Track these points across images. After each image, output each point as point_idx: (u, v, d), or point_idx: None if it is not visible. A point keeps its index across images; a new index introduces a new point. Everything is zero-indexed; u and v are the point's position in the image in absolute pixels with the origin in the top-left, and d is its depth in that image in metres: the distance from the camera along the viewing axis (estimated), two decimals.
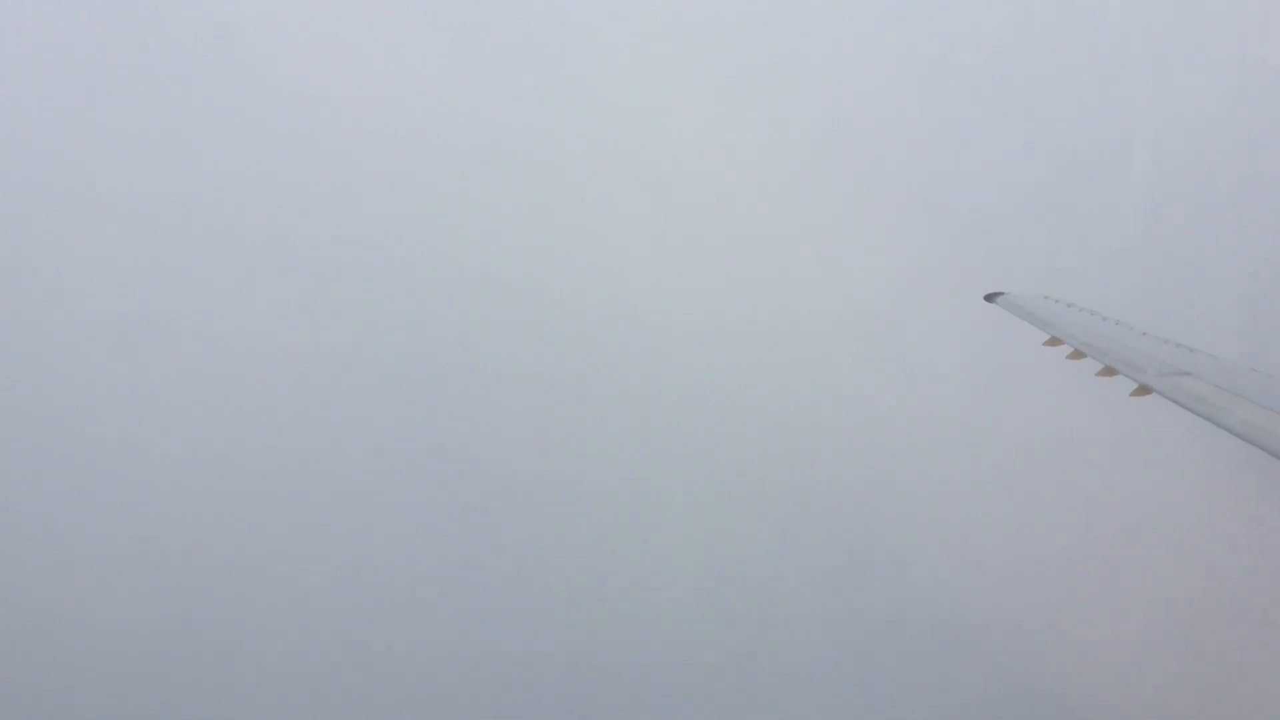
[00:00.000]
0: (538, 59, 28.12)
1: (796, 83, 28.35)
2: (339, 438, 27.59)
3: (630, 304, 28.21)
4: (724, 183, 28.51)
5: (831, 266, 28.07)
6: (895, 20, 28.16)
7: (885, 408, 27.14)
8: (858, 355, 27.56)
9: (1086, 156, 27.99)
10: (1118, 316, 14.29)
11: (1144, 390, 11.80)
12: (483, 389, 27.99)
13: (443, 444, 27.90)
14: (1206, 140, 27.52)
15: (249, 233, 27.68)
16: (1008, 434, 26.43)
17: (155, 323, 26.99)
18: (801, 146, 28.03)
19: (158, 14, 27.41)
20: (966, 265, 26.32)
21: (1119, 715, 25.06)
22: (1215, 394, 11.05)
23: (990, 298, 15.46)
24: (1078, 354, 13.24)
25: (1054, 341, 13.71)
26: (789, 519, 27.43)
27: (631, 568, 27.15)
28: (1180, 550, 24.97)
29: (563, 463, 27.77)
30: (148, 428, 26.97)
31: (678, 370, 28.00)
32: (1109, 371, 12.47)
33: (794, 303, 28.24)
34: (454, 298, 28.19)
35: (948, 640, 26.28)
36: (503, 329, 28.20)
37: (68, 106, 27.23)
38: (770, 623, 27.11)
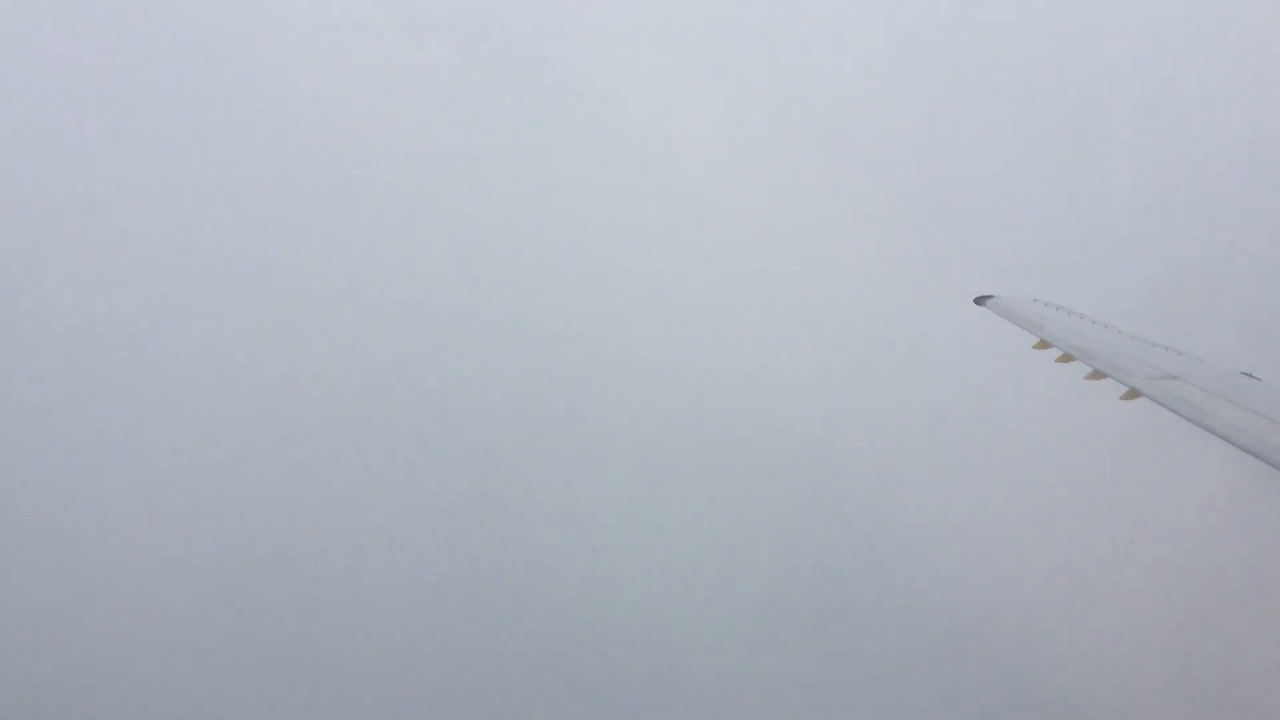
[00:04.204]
0: (539, 63, 28.18)
1: (795, 88, 28.40)
2: (343, 437, 27.63)
3: (635, 306, 28.27)
4: (723, 186, 28.55)
5: (833, 269, 28.12)
6: (894, 23, 28.20)
7: (876, 411, 27.21)
8: (852, 357, 27.62)
9: (1085, 159, 28.02)
10: (1114, 318, 14.22)
11: (1133, 394, 11.79)
12: (488, 390, 28.03)
13: (447, 444, 27.92)
14: (1204, 143, 27.54)
15: (250, 233, 27.73)
16: (996, 438, 26.46)
17: (158, 323, 27.05)
18: (800, 151, 28.07)
19: (158, 15, 27.46)
20: (962, 267, 26.36)
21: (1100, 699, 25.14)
22: (1203, 398, 11.04)
23: (980, 301, 15.35)
24: (1067, 357, 13.19)
25: (1043, 345, 13.65)
26: (791, 513, 27.49)
27: (640, 564, 27.19)
28: (1167, 551, 25.00)
29: (570, 460, 27.82)
30: (151, 427, 27.01)
31: (683, 370, 28.05)
32: (1098, 375, 12.45)
33: (794, 303, 28.31)
34: (458, 300, 28.24)
35: (935, 636, 26.38)
36: (505, 331, 28.24)
37: (71, 108, 27.28)
38: (775, 618, 27.15)
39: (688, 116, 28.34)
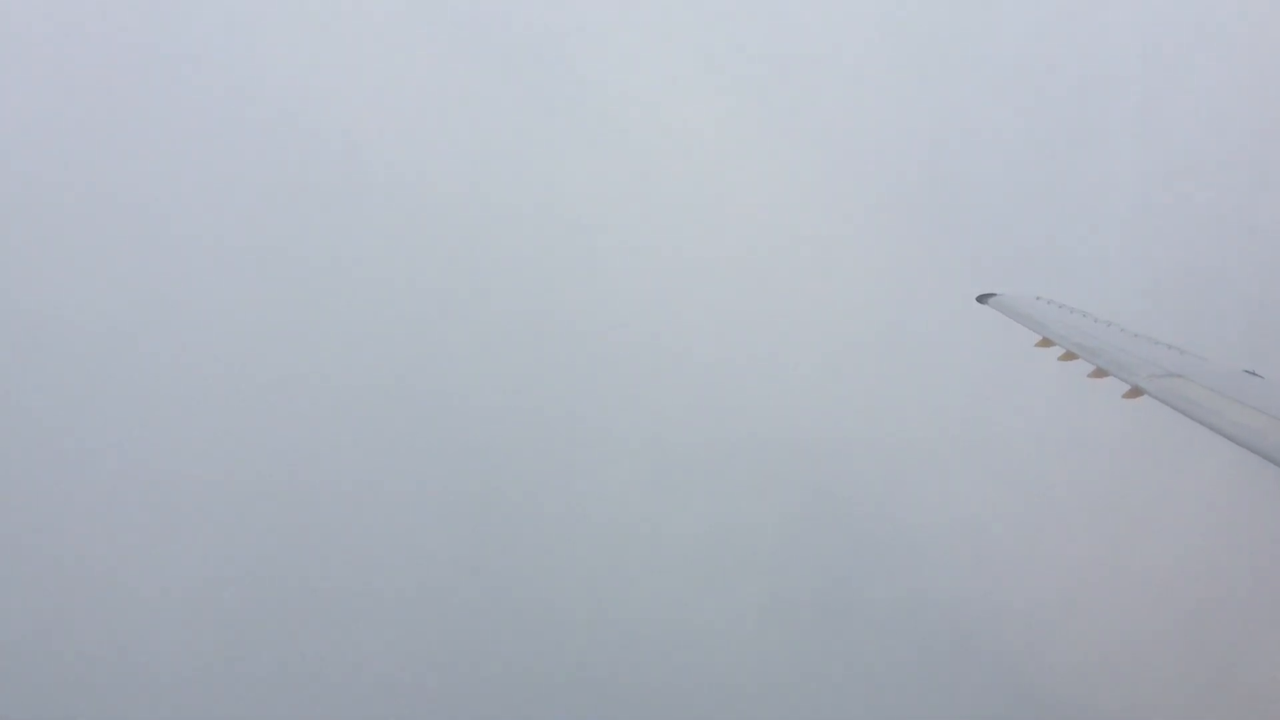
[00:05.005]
0: (541, 63, 28.18)
1: (797, 87, 28.42)
2: (343, 437, 27.60)
3: (636, 305, 28.26)
4: (723, 185, 28.56)
5: (835, 267, 28.14)
6: (896, 21, 28.22)
7: (878, 410, 27.22)
8: (855, 355, 27.64)
9: (1086, 157, 28.03)
10: (1117, 316, 14.20)
11: (1136, 392, 11.81)
12: (488, 389, 28.02)
13: (447, 444, 27.91)
14: (1204, 143, 27.56)
15: (250, 231, 27.73)
16: (999, 436, 26.47)
17: (158, 322, 27.04)
18: (803, 149, 28.08)
19: (158, 12, 27.45)
20: (964, 265, 26.37)
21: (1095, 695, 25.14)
22: (1206, 396, 11.05)
23: (983, 299, 15.33)
24: (1070, 355, 13.19)
25: (1046, 343, 13.65)
26: (792, 512, 27.49)
27: (640, 563, 27.19)
28: (1168, 550, 24.99)
29: (570, 460, 27.83)
30: (150, 427, 26.98)
31: (685, 370, 28.07)
32: (1101, 373, 12.46)
33: (796, 302, 28.32)
34: (457, 299, 28.23)
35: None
36: (506, 330, 28.23)
37: (70, 106, 27.26)
38: (776, 618, 27.15)
39: (690, 116, 28.35)
